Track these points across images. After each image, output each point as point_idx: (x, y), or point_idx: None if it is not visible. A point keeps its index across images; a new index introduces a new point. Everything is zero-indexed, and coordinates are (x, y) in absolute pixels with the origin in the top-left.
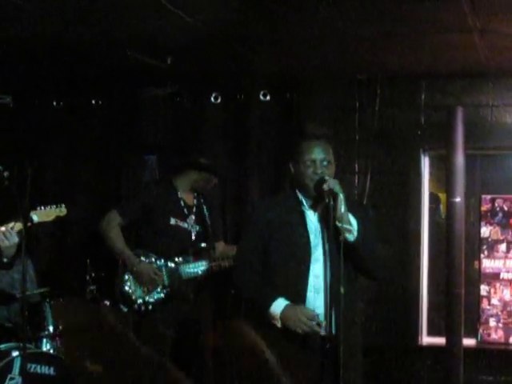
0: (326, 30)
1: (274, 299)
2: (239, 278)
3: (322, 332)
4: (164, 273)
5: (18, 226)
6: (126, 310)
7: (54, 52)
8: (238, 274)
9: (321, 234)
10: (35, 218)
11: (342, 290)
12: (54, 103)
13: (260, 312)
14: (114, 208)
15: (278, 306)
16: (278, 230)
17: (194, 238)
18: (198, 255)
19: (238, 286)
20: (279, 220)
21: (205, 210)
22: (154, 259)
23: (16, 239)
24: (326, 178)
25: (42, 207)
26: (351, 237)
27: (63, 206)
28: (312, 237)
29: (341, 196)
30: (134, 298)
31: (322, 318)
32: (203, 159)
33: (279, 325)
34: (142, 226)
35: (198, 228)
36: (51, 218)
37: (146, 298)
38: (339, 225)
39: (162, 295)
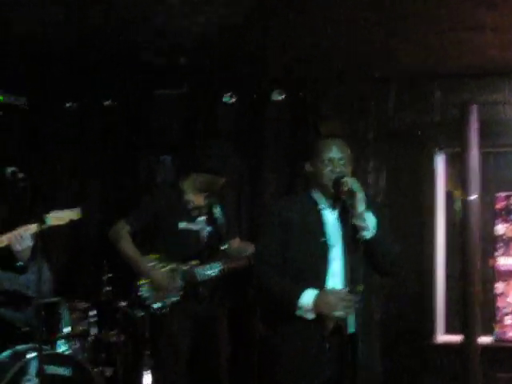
0: (340, 29)
1: (302, 291)
2: (262, 277)
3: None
4: (178, 276)
5: (32, 228)
6: (142, 313)
7: (67, 53)
8: (260, 273)
9: (339, 233)
10: (49, 221)
11: (361, 287)
12: (67, 104)
13: (288, 308)
14: (122, 218)
15: (309, 296)
16: (296, 230)
17: (206, 239)
18: (212, 257)
19: (260, 285)
20: (296, 220)
21: (216, 209)
22: (167, 264)
23: (29, 243)
24: (344, 177)
25: (57, 210)
26: (368, 234)
27: (77, 209)
28: (330, 235)
29: (359, 194)
30: (149, 302)
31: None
32: (206, 161)
33: (311, 316)
34: (152, 232)
35: (209, 228)
36: (65, 221)
37: (162, 303)
38: (357, 223)
39: (177, 297)
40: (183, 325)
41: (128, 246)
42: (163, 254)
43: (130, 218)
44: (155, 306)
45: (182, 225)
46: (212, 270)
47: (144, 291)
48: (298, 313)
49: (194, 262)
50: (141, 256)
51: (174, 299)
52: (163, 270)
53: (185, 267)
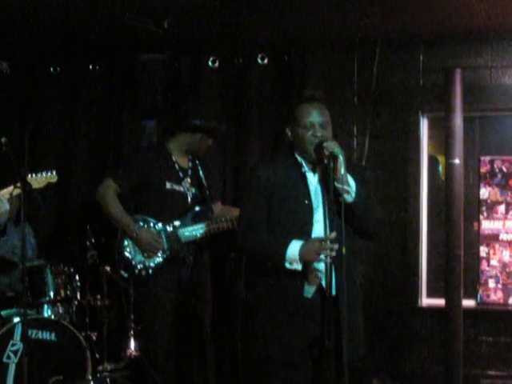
0: None
1: (288, 244)
2: (246, 237)
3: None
4: (163, 237)
5: (9, 191)
6: (126, 275)
7: (50, 17)
8: (245, 234)
9: (321, 196)
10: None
11: (344, 250)
12: (51, 69)
13: (275, 262)
14: (109, 176)
15: (294, 247)
16: (280, 192)
17: (190, 200)
18: (196, 218)
19: (245, 245)
20: (280, 182)
21: (200, 172)
22: (152, 224)
23: (7, 206)
24: (325, 140)
25: (33, 174)
26: (349, 197)
27: (54, 172)
28: (313, 198)
29: (341, 158)
30: (134, 263)
31: (323, 277)
32: (195, 120)
33: (300, 267)
34: (138, 192)
35: (194, 190)
36: (42, 184)
37: (146, 263)
38: (339, 186)
39: (162, 259)
40: (167, 287)
41: (115, 206)
42: (148, 213)
43: (118, 175)
44: (140, 266)
45: (169, 185)
46: (196, 231)
47: (128, 252)
48: (286, 265)
49: (177, 224)
50: (127, 216)
51: (159, 261)
52: (149, 230)
53: (169, 228)
